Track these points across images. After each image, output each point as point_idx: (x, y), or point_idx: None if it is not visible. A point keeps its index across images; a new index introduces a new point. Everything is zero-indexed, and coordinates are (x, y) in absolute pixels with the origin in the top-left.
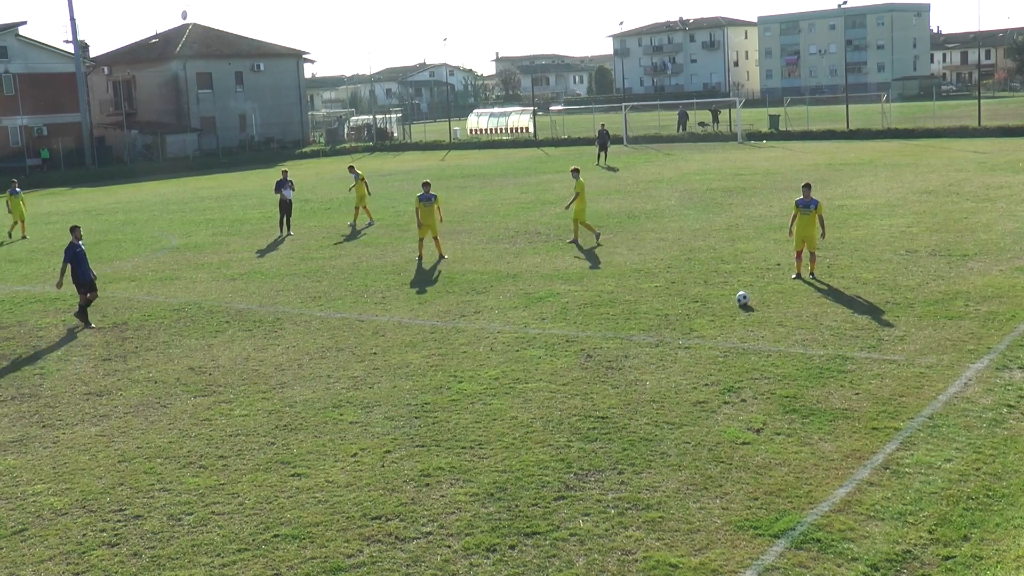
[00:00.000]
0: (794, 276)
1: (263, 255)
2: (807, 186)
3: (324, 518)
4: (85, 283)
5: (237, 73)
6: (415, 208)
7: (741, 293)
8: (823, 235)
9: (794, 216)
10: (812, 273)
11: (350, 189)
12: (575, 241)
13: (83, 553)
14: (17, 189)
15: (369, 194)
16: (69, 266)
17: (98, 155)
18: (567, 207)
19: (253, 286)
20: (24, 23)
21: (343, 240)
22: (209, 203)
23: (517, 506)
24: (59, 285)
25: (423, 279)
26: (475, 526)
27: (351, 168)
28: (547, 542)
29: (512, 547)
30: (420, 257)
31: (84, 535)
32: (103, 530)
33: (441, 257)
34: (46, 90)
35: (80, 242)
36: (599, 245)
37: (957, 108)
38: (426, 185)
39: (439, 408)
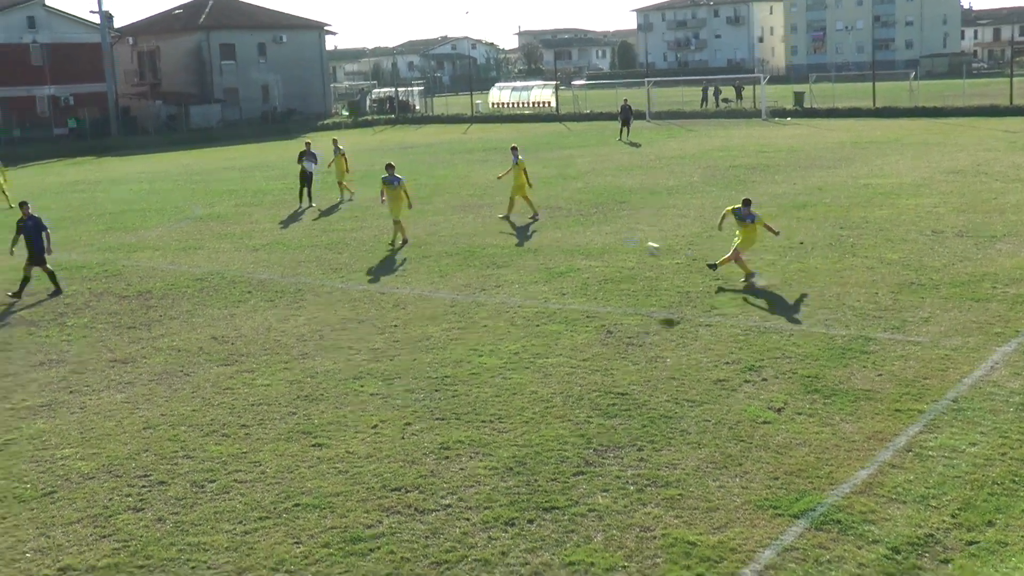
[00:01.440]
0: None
1: (286, 226)
2: (747, 201)
3: (344, 488)
4: (31, 255)
5: (260, 44)
6: (380, 189)
7: (652, 244)
8: (777, 232)
9: (725, 214)
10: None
11: (329, 165)
12: (507, 217)
13: (109, 516)
14: None
15: (348, 171)
16: (22, 237)
17: (123, 125)
18: (499, 177)
19: (275, 257)
20: None
21: (339, 205)
22: (232, 174)
23: (536, 480)
24: (11, 252)
25: (444, 252)
26: (494, 500)
27: (335, 142)
28: (565, 517)
29: (530, 521)
30: (394, 242)
31: (110, 499)
32: (128, 495)
33: (404, 241)
34: (72, 60)
35: (32, 216)
36: (532, 221)
37: (988, 86)
38: (390, 167)
39: (459, 381)
